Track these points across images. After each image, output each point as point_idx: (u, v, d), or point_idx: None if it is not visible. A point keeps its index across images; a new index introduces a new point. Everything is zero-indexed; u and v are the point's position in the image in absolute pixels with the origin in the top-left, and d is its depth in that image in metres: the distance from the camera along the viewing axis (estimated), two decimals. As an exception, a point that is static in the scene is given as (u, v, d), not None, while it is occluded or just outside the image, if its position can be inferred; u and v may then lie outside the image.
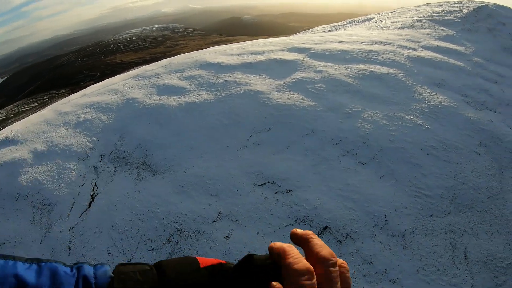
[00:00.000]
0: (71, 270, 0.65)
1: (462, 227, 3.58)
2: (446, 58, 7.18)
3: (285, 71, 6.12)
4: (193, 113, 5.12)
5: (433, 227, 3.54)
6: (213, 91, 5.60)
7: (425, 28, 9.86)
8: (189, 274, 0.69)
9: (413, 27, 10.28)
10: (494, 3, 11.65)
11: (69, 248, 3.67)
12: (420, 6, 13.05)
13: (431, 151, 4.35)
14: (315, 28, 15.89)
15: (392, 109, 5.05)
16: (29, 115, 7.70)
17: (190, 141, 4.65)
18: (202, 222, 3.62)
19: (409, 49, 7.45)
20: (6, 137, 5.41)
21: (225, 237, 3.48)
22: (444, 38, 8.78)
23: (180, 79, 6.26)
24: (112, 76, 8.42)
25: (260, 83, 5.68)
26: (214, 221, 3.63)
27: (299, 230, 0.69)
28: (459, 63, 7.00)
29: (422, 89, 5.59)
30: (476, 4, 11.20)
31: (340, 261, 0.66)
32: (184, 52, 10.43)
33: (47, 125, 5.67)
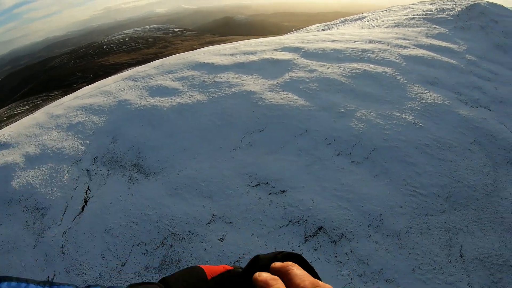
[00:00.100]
0: None
1: (457, 225, 3.58)
2: (439, 56, 7.19)
3: (278, 70, 6.09)
4: (186, 114, 5.08)
5: (428, 226, 3.53)
6: (206, 92, 5.56)
7: (418, 27, 9.88)
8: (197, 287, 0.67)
9: (406, 25, 10.30)
10: (486, 1, 11.71)
11: (63, 253, 3.63)
12: (412, 4, 13.09)
13: (425, 149, 4.34)
14: (308, 27, 15.90)
15: (386, 108, 5.04)
16: (22, 118, 7.63)
17: (183, 143, 4.61)
18: (196, 224, 3.59)
19: (402, 47, 7.46)
20: (-2, 141, 5.36)
21: (219, 239, 3.45)
22: (437, 36, 8.80)
23: (172, 80, 6.22)
24: (105, 78, 8.37)
25: (253, 83, 5.65)
26: (208, 223, 3.60)
27: (277, 264, 0.66)
28: (452, 61, 7.01)
29: (416, 88, 5.59)
30: (468, 2, 11.24)
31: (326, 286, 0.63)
32: (177, 52, 10.37)
33: (39, 128, 5.62)
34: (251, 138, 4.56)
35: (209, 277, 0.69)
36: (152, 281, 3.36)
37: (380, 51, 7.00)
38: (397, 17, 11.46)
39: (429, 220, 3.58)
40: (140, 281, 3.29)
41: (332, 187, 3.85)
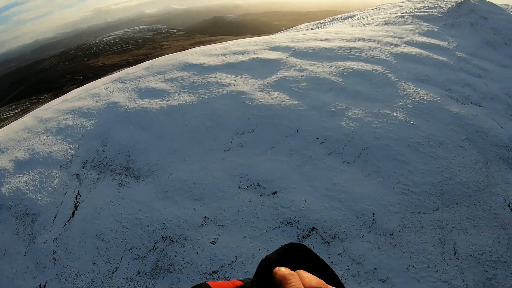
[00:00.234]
0: None
1: (450, 222, 3.57)
2: (429, 53, 7.20)
3: (267, 70, 6.06)
4: (175, 116, 5.03)
5: (422, 224, 3.52)
6: (195, 93, 5.51)
7: (407, 24, 9.91)
8: None
9: (395, 23, 10.33)
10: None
11: (54, 260, 3.57)
12: (402, 2, 13.14)
13: (417, 147, 4.33)
14: (298, 26, 15.94)
15: (377, 106, 5.02)
16: (11, 122, 7.54)
17: (173, 144, 4.56)
18: (187, 227, 3.55)
19: (392, 45, 7.46)
20: (-15, 147, 5.28)
21: (211, 243, 3.41)
22: (427, 34, 8.83)
23: (162, 81, 6.16)
24: (95, 80, 8.30)
25: (243, 84, 5.61)
26: (200, 226, 3.55)
27: (282, 269, 0.66)
28: (442, 58, 7.03)
29: (406, 85, 5.59)
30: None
31: None
32: (167, 53, 10.32)
33: (28, 132, 5.54)
34: (241, 139, 4.52)
35: None
36: (144, 286, 3.34)
37: (370, 49, 6.99)
38: (387, 15, 11.50)
39: (422, 218, 3.57)
40: (132, 286, 3.25)
41: (324, 187, 3.82)
